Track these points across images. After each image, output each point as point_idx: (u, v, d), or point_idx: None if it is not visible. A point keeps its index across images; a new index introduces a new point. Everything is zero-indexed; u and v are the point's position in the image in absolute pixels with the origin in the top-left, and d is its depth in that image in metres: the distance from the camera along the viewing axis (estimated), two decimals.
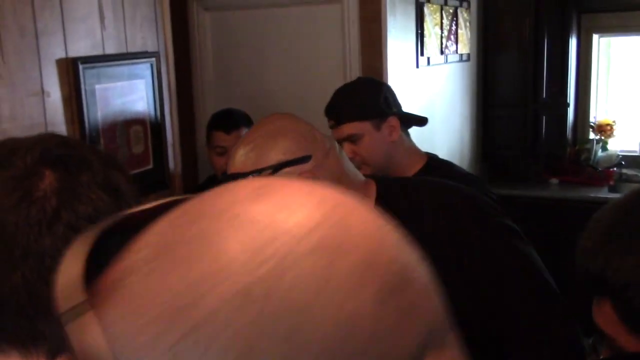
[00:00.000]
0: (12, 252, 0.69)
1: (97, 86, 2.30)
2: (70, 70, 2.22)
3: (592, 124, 4.61)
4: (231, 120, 2.54)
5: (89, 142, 2.27)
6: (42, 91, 2.15)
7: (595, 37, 4.58)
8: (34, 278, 0.68)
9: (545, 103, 4.39)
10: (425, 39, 3.45)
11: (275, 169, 1.28)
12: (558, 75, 4.40)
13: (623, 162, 4.40)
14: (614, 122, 4.52)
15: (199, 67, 3.44)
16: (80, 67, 2.23)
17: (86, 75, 2.25)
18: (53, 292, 0.68)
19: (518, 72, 4.35)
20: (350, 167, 1.40)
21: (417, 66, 3.40)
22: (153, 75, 2.55)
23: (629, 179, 4.28)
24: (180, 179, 2.82)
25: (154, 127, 2.57)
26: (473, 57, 4.16)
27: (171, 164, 2.72)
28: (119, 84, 2.41)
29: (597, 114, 4.66)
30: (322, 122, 2.02)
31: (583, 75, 4.60)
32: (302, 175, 1.29)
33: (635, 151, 4.53)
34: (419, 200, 1.39)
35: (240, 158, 1.31)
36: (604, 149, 4.53)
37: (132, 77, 2.46)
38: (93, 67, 2.28)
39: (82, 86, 2.24)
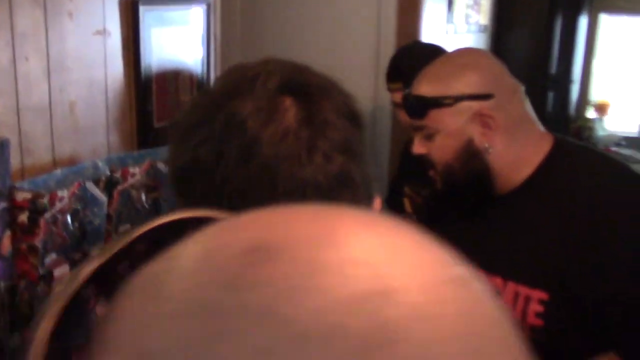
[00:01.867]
0: (275, 186, 0.66)
1: (153, 29, 2.25)
2: (130, 11, 2.16)
3: (592, 103, 4.68)
4: None
5: (142, 87, 2.23)
6: (105, 30, 2.09)
7: (602, 16, 4.63)
8: None
9: (552, 79, 4.44)
10: (453, 7, 3.45)
11: (457, 100, 1.27)
12: (566, 53, 4.45)
13: (623, 142, 4.49)
14: (609, 102, 4.60)
15: (226, 23, 3.37)
16: (141, 8, 2.17)
17: (145, 17, 2.20)
18: None
19: (528, 47, 4.39)
20: (530, 116, 1.35)
21: (446, 33, 3.40)
22: (203, 23, 2.50)
23: (626, 159, 4.37)
24: None
25: (201, 76, 2.52)
26: (488, 29, 4.17)
27: None
28: (173, 28, 2.36)
29: (597, 93, 4.74)
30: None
31: (589, 54, 4.66)
32: (480, 112, 1.27)
33: (634, 133, 4.62)
34: (592, 178, 1.29)
35: (424, 83, 1.31)
36: (602, 128, 4.61)
37: (185, 23, 2.41)
38: (152, 10, 2.23)
39: (141, 28, 2.18)
